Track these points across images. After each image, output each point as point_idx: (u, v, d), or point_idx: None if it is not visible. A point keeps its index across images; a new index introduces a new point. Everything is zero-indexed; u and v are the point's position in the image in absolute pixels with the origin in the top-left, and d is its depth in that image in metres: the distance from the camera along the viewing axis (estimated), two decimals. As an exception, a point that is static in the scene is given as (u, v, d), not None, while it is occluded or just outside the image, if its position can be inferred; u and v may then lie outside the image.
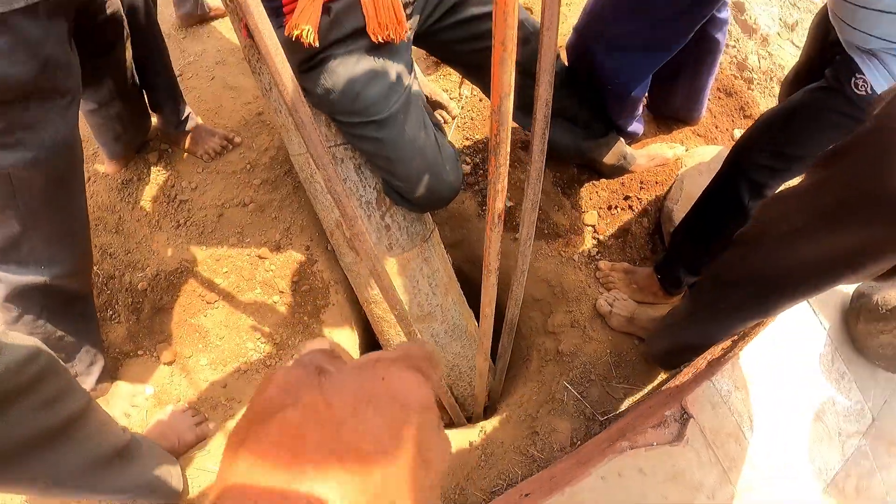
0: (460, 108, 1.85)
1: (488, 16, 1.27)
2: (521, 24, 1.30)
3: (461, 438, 1.42)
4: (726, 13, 1.58)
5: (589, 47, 1.47)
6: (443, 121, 1.83)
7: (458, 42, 1.30)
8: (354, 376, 0.27)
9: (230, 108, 1.85)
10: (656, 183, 1.72)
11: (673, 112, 1.86)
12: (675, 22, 1.32)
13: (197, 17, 2.08)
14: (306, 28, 1.04)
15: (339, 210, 0.94)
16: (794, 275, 0.96)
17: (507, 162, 0.78)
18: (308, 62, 1.10)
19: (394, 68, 1.14)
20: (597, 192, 1.72)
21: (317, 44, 1.05)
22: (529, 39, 1.29)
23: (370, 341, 1.72)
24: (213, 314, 1.51)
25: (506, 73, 0.67)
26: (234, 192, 1.65)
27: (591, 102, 1.57)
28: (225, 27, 2.11)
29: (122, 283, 1.54)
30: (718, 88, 2.05)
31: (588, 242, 1.66)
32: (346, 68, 1.10)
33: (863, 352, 1.37)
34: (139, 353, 1.49)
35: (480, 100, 1.85)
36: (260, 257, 1.58)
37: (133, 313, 1.51)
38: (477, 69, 1.36)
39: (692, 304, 1.26)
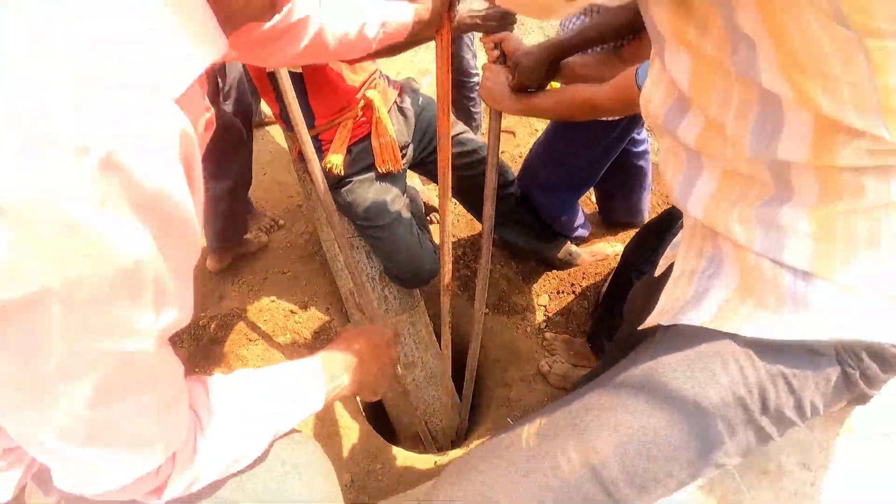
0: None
1: (465, 154, 1.83)
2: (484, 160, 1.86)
3: (429, 461, 1.88)
4: (644, 146, 2.07)
5: (525, 189, 2.00)
6: (435, 221, 2.39)
7: (441, 171, 1.87)
8: (367, 328, 0.85)
9: (277, 198, 2.44)
10: (596, 274, 2.24)
11: (617, 220, 2.39)
12: (590, 166, 1.81)
13: (255, 123, 2.68)
14: (336, 163, 1.62)
15: (353, 282, 1.48)
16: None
17: (450, 253, 1.32)
18: (337, 184, 1.67)
19: (392, 191, 1.71)
20: (549, 280, 2.24)
21: (342, 173, 1.63)
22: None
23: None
24: (254, 349, 2.03)
25: (447, 218, 1.22)
26: (277, 263, 2.21)
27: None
28: (276, 132, 2.73)
29: (189, 321, 2.08)
30: (666, 194, 2.57)
31: (540, 318, 2.17)
32: (361, 190, 1.67)
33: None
34: (195, 370, 2.00)
35: (465, 206, 2.42)
36: (292, 312, 2.11)
37: (194, 341, 2.04)
38: (456, 190, 1.91)
39: (601, 364, 1.72)
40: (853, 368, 0.66)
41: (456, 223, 2.40)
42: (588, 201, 2.50)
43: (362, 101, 1.63)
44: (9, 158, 0.31)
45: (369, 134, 1.66)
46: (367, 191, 1.69)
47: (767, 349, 0.67)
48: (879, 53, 0.48)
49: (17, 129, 0.32)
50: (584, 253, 2.25)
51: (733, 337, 0.68)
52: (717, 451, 0.68)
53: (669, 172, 0.79)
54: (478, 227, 2.35)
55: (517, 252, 2.24)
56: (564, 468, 0.68)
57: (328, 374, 0.78)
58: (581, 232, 2.23)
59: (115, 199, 0.36)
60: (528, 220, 2.06)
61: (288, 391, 0.74)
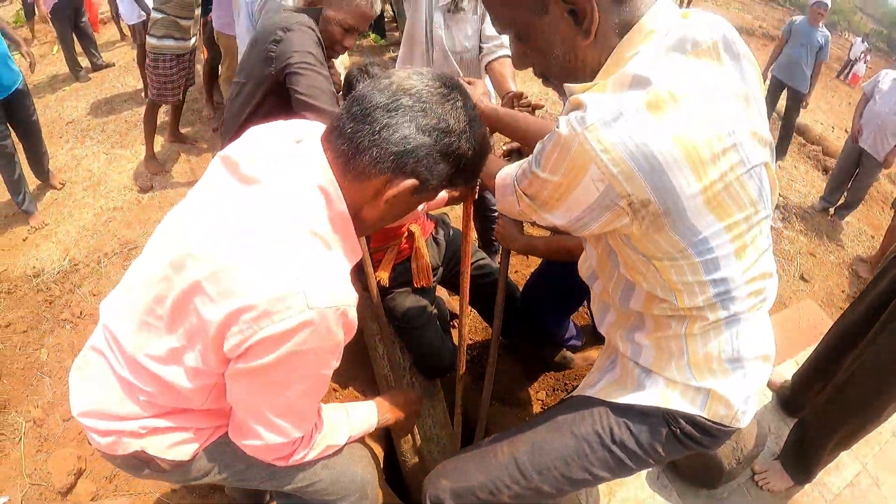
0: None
1: (482, 275, 2.37)
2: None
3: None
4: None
5: (526, 306, 2.50)
6: (456, 326, 2.92)
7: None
8: (404, 391, 1.48)
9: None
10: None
11: (607, 334, 2.89)
12: (576, 291, 2.30)
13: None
14: (383, 277, 2.17)
15: (389, 368, 1.99)
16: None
17: (466, 352, 1.83)
18: (383, 294, 2.22)
19: (424, 302, 2.25)
20: (546, 379, 2.72)
21: (387, 285, 2.18)
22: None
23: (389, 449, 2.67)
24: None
25: (464, 326, 1.75)
26: (326, 350, 2.74)
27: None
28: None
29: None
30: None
31: (537, 409, 2.62)
32: (401, 299, 2.21)
33: (682, 472, 2.18)
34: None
35: (483, 312, 2.95)
36: (334, 389, 2.60)
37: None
38: (473, 302, 2.45)
39: None
40: (675, 428, 1.17)
41: (472, 329, 2.93)
42: (586, 315, 3.01)
43: (406, 233, 2.20)
44: (306, 312, 0.92)
45: (410, 257, 2.23)
46: (405, 300, 2.23)
47: (618, 408, 1.22)
48: (660, 266, 1.04)
49: (320, 295, 0.95)
50: (577, 358, 2.73)
51: (601, 401, 1.23)
52: (583, 460, 1.22)
53: (594, 308, 1.35)
54: (490, 332, 2.86)
55: (521, 355, 2.73)
56: (500, 457, 1.26)
57: (380, 411, 1.40)
58: (574, 342, 2.72)
59: (341, 323, 0.98)
60: (530, 330, 2.58)
61: (359, 415, 1.35)
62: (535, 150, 1.07)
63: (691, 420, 1.16)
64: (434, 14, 2.52)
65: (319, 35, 1.92)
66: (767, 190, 1.06)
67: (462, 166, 1.07)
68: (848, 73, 16.80)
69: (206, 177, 1.15)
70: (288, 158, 1.05)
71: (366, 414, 1.42)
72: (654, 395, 1.17)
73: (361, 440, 1.52)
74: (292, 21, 1.87)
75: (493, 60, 2.47)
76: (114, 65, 7.28)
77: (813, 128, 8.14)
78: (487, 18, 2.48)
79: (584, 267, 1.34)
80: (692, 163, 0.93)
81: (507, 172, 1.22)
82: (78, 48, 6.90)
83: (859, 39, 18.99)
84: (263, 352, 0.96)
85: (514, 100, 1.83)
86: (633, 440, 1.20)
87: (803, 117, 7.49)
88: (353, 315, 1.03)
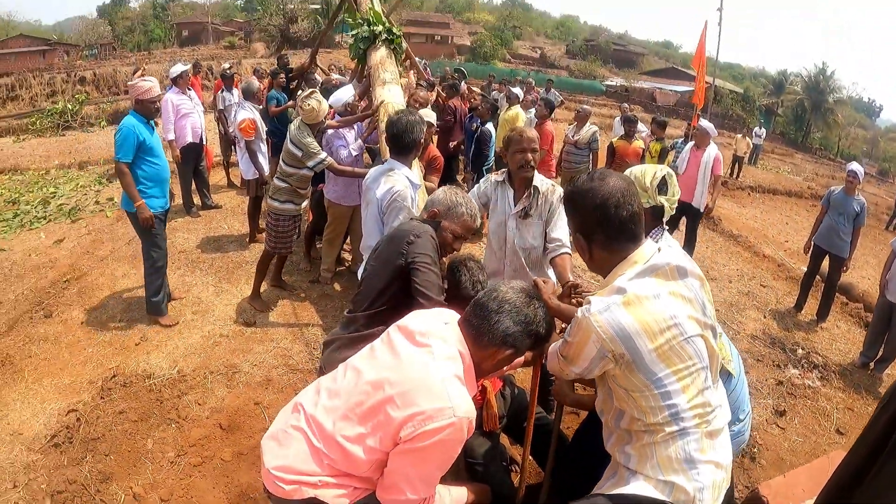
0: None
1: (539, 426, 2.87)
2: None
3: None
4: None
5: (573, 452, 2.90)
6: (514, 470, 3.41)
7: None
8: (480, 484, 2.13)
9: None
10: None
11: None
12: None
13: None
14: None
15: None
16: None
17: (524, 489, 2.37)
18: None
19: (490, 444, 2.78)
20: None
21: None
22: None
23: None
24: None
25: (527, 458, 2.31)
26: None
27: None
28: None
29: None
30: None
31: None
32: (472, 439, 2.70)
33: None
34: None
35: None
36: None
37: None
38: (533, 452, 2.94)
39: None
40: None
41: (528, 473, 3.41)
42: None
43: (480, 387, 2.78)
44: (453, 418, 1.67)
45: (482, 406, 2.79)
46: (475, 440, 2.76)
47: (615, 497, 1.77)
48: (635, 396, 1.72)
49: (461, 409, 1.69)
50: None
51: (604, 494, 1.80)
52: None
53: (604, 435, 1.97)
54: (542, 475, 3.33)
55: (568, 493, 3.16)
56: None
57: (469, 492, 2.01)
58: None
59: (467, 427, 1.70)
60: (577, 472, 3.03)
61: (456, 492, 1.98)
62: (567, 328, 1.84)
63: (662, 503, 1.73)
64: (509, 219, 3.31)
65: (437, 241, 2.67)
66: (703, 351, 1.74)
67: (538, 340, 1.89)
68: (896, 224, 17.00)
69: (388, 336, 1.94)
70: (441, 336, 1.84)
71: (460, 492, 2.07)
72: (638, 487, 1.74)
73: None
74: (422, 230, 2.64)
75: (555, 256, 3.22)
76: (221, 207, 8.39)
77: (857, 285, 8.47)
78: (551, 223, 3.24)
79: (597, 406, 2.00)
80: (647, 333, 1.66)
81: (554, 344, 1.99)
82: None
83: (904, 189, 19.25)
84: (424, 438, 1.64)
85: (571, 288, 2.50)
86: None
87: (848, 275, 7.86)
88: (474, 424, 1.72)
